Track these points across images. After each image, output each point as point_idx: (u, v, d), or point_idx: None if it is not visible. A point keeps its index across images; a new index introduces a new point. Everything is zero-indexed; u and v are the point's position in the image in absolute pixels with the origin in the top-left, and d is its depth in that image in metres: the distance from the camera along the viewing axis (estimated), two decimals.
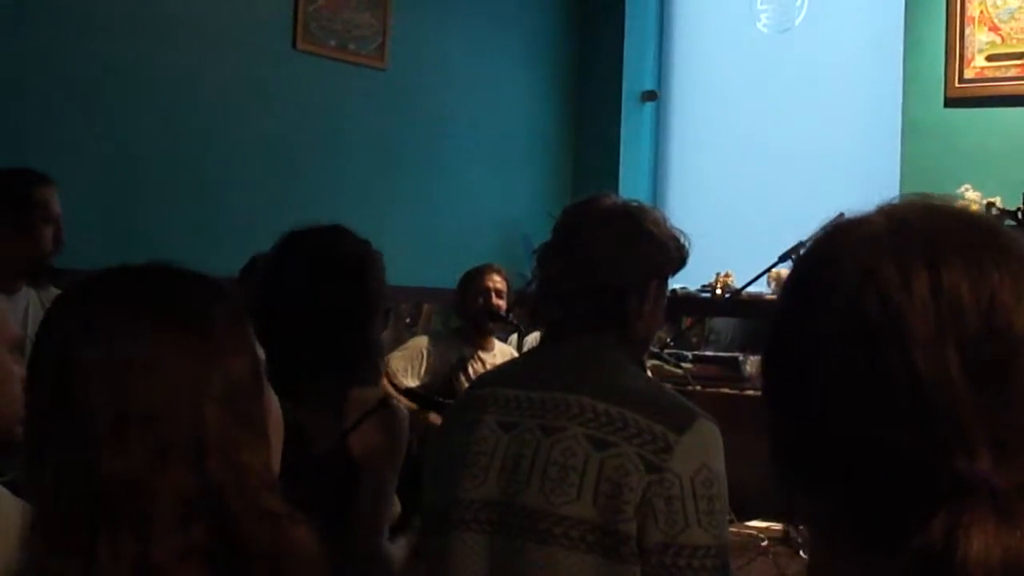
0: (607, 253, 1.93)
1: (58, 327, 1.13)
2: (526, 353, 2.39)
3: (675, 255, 2.01)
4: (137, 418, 1.05)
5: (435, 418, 3.89)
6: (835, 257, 0.80)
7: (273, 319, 2.39)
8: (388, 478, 2.41)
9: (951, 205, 0.83)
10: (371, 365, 2.52)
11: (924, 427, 0.73)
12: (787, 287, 0.86)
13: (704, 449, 1.79)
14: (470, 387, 2.18)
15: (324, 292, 2.39)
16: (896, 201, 0.83)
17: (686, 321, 5.54)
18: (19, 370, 1.62)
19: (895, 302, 0.75)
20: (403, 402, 3.36)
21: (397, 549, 2.52)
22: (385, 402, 2.44)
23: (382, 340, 2.82)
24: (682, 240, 2.03)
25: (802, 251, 0.86)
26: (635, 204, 2.03)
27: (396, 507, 2.83)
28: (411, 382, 4.36)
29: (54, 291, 3.46)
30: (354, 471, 2.33)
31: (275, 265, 2.50)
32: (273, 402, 1.20)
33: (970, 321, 0.74)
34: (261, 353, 1.18)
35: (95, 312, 1.11)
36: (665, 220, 2.02)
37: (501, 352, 4.56)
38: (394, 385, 4.25)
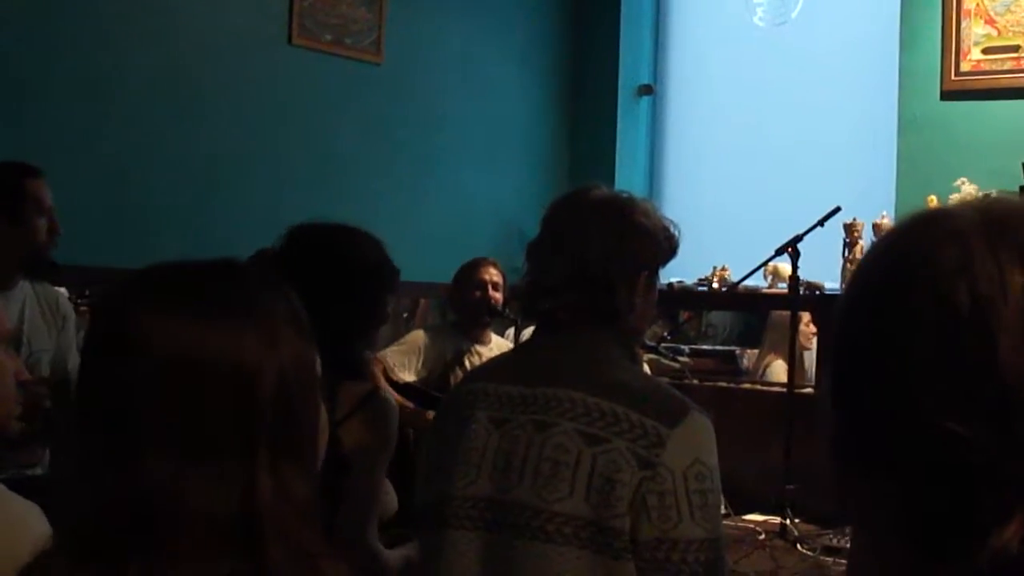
0: (596, 246, 1.92)
1: (111, 327, 1.07)
2: (517, 347, 2.38)
3: (665, 246, 2.00)
4: (187, 427, 1.01)
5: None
6: (924, 250, 0.79)
7: None
8: (378, 470, 2.41)
9: None
10: (363, 361, 2.52)
11: (1006, 427, 0.73)
12: (865, 279, 0.84)
13: (696, 443, 1.78)
14: (461, 382, 2.17)
15: (324, 293, 2.38)
16: (981, 198, 0.83)
17: (683, 315, 5.54)
18: (12, 364, 1.61)
19: (987, 298, 0.74)
20: (397, 399, 3.36)
21: (392, 555, 2.51)
22: (374, 394, 2.44)
23: (377, 336, 2.81)
24: (672, 230, 2.01)
25: (883, 242, 0.84)
26: (624, 195, 2.02)
27: (393, 503, 2.83)
28: (408, 377, 4.36)
29: (51, 288, 3.46)
30: (343, 463, 2.34)
31: (279, 259, 2.50)
32: (322, 412, 1.16)
33: None
34: (316, 355, 1.14)
35: (149, 312, 1.05)
36: (655, 211, 2.01)
37: (498, 346, 4.56)
38: (391, 380, 4.24)
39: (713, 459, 1.79)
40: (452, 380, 4.21)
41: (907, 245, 0.82)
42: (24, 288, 3.29)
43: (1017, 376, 0.73)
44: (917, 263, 0.79)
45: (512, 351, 2.90)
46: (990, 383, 0.73)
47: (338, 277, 2.40)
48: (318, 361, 1.14)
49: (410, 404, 3.82)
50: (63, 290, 3.76)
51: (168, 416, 1.01)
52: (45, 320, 3.32)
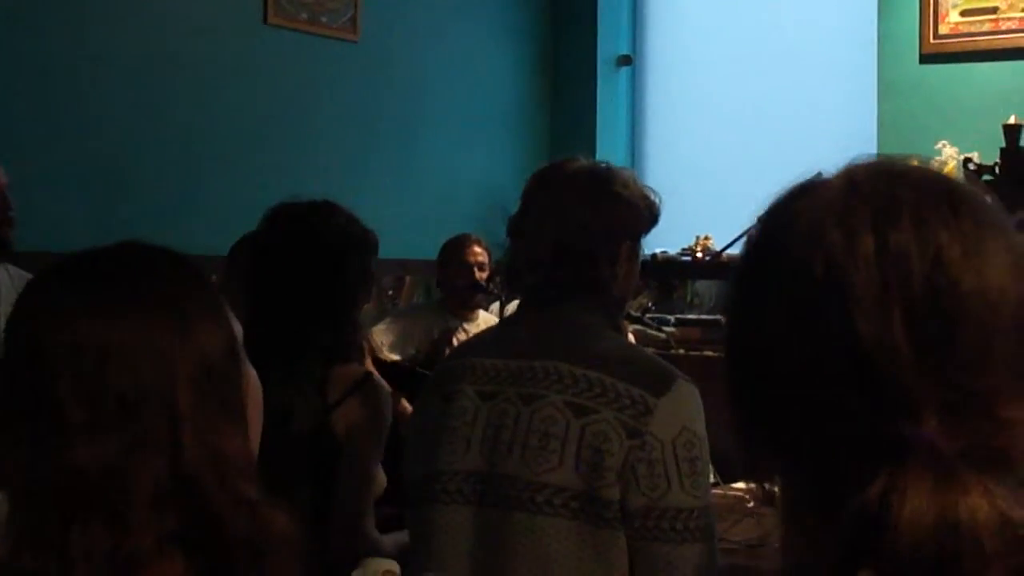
0: (576, 217, 1.91)
1: (27, 313, 1.10)
2: (502, 321, 2.38)
3: (646, 215, 1.99)
4: (109, 405, 1.02)
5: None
6: (788, 220, 0.80)
7: (258, 297, 2.38)
8: (371, 454, 2.40)
9: (908, 165, 0.82)
10: (353, 343, 2.51)
11: (868, 390, 0.73)
12: (745, 250, 0.85)
13: (684, 411, 1.78)
14: (447, 357, 2.17)
15: (306, 272, 2.37)
16: (858, 162, 0.82)
17: (673, 284, 5.54)
18: None
19: (839, 264, 0.74)
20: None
21: (385, 540, 2.50)
22: (367, 378, 2.43)
23: (363, 316, 2.79)
24: (653, 199, 2.00)
25: (762, 214, 0.85)
26: (603, 166, 2.01)
27: (381, 480, 2.83)
28: (395, 355, 4.35)
29: (27, 275, 3.42)
30: (337, 448, 2.33)
31: (260, 243, 2.48)
32: (252, 379, 1.17)
33: (915, 281, 0.73)
34: (238, 330, 1.16)
35: (63, 296, 1.08)
36: (635, 180, 2.00)
37: (485, 321, 4.55)
38: (378, 359, 4.24)
39: (701, 427, 1.79)
40: (439, 358, 4.21)
41: (777, 215, 0.83)
42: (2, 277, 3.25)
43: (872, 341, 0.73)
44: (778, 234, 0.81)
45: (497, 326, 2.90)
46: (847, 348, 0.73)
47: (318, 255, 2.39)
48: (237, 335, 1.14)
49: (387, 385, 3.81)
50: None
51: (87, 395, 1.03)
52: None
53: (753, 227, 0.85)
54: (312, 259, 2.38)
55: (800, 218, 0.79)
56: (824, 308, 0.74)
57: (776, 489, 0.82)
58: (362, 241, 2.47)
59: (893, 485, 0.70)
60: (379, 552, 2.42)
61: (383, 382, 2.51)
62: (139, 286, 1.10)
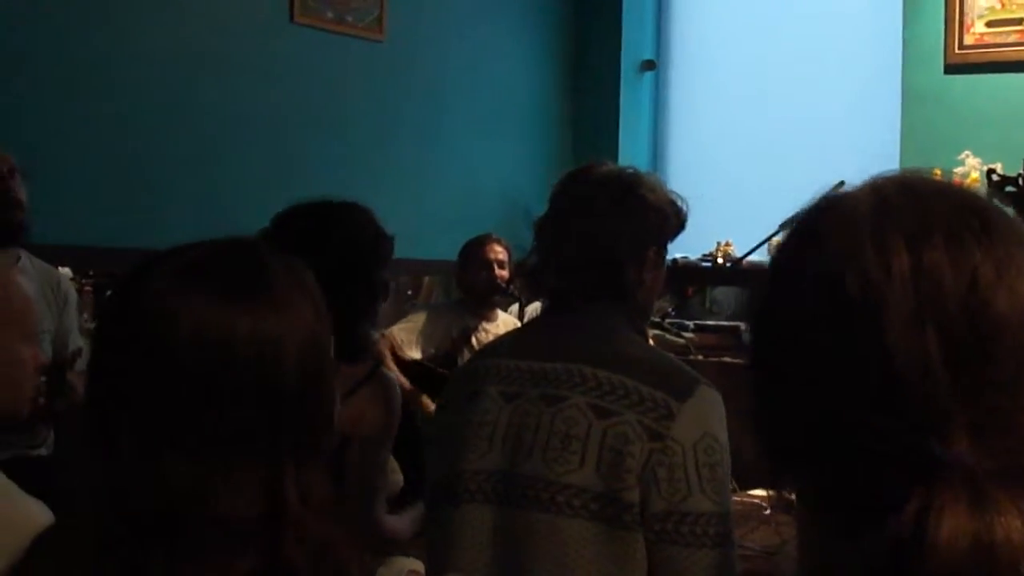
0: (603, 223, 1.92)
1: (139, 317, 1.04)
2: (527, 324, 2.38)
3: (673, 221, 2.00)
4: (211, 420, 0.99)
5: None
6: (820, 237, 0.80)
7: None
8: (380, 448, 2.40)
9: (937, 181, 0.82)
10: (364, 347, 2.48)
11: (899, 409, 0.73)
12: (773, 265, 0.85)
13: (706, 416, 1.78)
14: (471, 358, 2.17)
15: (320, 273, 2.35)
16: (884, 176, 0.82)
17: (688, 291, 5.54)
18: (29, 352, 1.63)
19: (875, 283, 0.74)
20: (402, 379, 3.35)
21: (401, 522, 2.51)
22: (375, 372, 2.42)
23: (382, 315, 2.74)
24: (679, 205, 2.01)
25: (790, 227, 0.85)
26: (630, 171, 2.01)
27: (398, 480, 2.83)
28: (415, 354, 4.36)
29: (53, 269, 3.44)
30: (344, 443, 2.33)
31: (273, 241, 2.47)
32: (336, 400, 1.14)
33: (950, 301, 0.73)
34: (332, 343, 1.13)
35: (169, 293, 1.03)
36: (661, 186, 2.01)
37: (504, 322, 4.56)
38: (399, 357, 4.25)
39: (723, 433, 1.79)
40: (459, 357, 4.22)
41: (806, 231, 0.82)
42: (25, 268, 3.27)
43: (905, 360, 0.72)
44: (809, 249, 0.80)
45: (522, 328, 2.90)
46: (879, 368, 0.73)
47: (333, 255, 2.35)
48: (332, 344, 1.13)
49: (407, 383, 3.81)
50: (67, 270, 3.76)
51: (192, 407, 0.99)
52: (46, 300, 3.30)
53: (780, 240, 0.85)
54: (326, 261, 2.35)
55: (832, 233, 0.79)
56: (857, 325, 0.74)
57: (794, 497, 0.82)
58: (371, 250, 2.43)
59: (928, 506, 0.70)
60: (396, 536, 2.43)
61: (391, 374, 2.48)
62: (251, 284, 1.06)
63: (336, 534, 1.04)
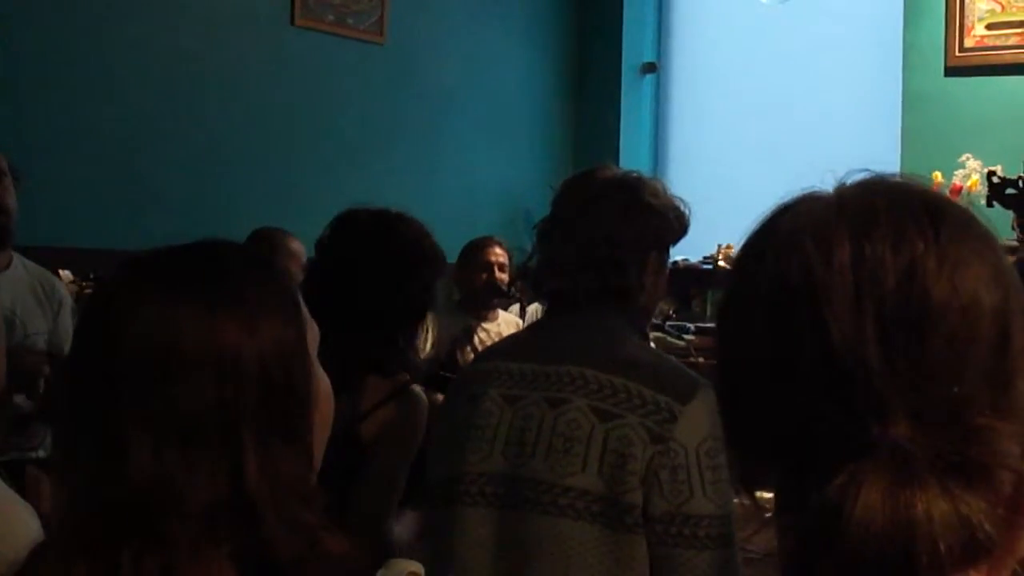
0: (607, 226, 1.92)
1: (96, 317, 1.07)
2: (529, 327, 2.38)
3: (675, 225, 2.00)
4: (173, 421, 1.00)
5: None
6: (774, 230, 0.81)
7: (313, 298, 2.35)
8: (397, 464, 2.36)
9: (899, 181, 0.83)
10: (404, 360, 2.43)
11: (840, 393, 0.73)
12: (733, 265, 0.87)
13: (709, 419, 1.78)
14: (473, 361, 2.17)
15: (368, 284, 2.31)
16: (852, 179, 0.83)
17: (689, 294, 5.55)
18: None
19: (815, 272, 0.76)
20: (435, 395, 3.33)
21: (403, 527, 2.50)
22: (403, 389, 2.38)
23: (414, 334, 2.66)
24: (682, 209, 2.02)
25: (752, 229, 0.86)
26: (634, 175, 2.02)
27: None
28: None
29: (47, 272, 3.43)
30: (361, 454, 2.31)
31: (327, 244, 2.41)
32: (324, 388, 1.14)
33: (888, 289, 0.74)
34: (315, 332, 1.13)
35: (136, 298, 1.05)
36: (665, 190, 2.01)
37: (505, 321, 4.56)
38: None
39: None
40: (459, 358, 4.21)
41: (766, 226, 0.84)
42: (18, 271, 3.27)
43: (843, 345, 0.74)
44: (759, 245, 0.82)
45: (523, 330, 2.90)
46: (819, 353, 0.74)
47: (385, 266, 2.33)
48: (313, 336, 1.12)
49: (425, 397, 3.80)
50: (67, 273, 3.76)
51: (151, 405, 1.01)
52: (39, 303, 3.29)
53: (742, 243, 0.87)
54: (376, 271, 2.32)
55: (781, 230, 0.81)
56: (799, 313, 0.75)
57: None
58: (431, 258, 2.40)
59: (852, 480, 0.71)
60: (398, 554, 2.41)
61: (421, 393, 2.44)
62: (207, 284, 1.07)
63: (310, 517, 1.05)
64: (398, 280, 2.33)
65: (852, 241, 0.76)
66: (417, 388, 2.44)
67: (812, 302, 0.75)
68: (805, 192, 0.84)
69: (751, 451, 0.83)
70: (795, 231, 0.79)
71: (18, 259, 3.29)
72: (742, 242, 0.86)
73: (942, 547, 0.69)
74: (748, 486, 0.86)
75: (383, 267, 2.31)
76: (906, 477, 0.70)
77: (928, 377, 0.73)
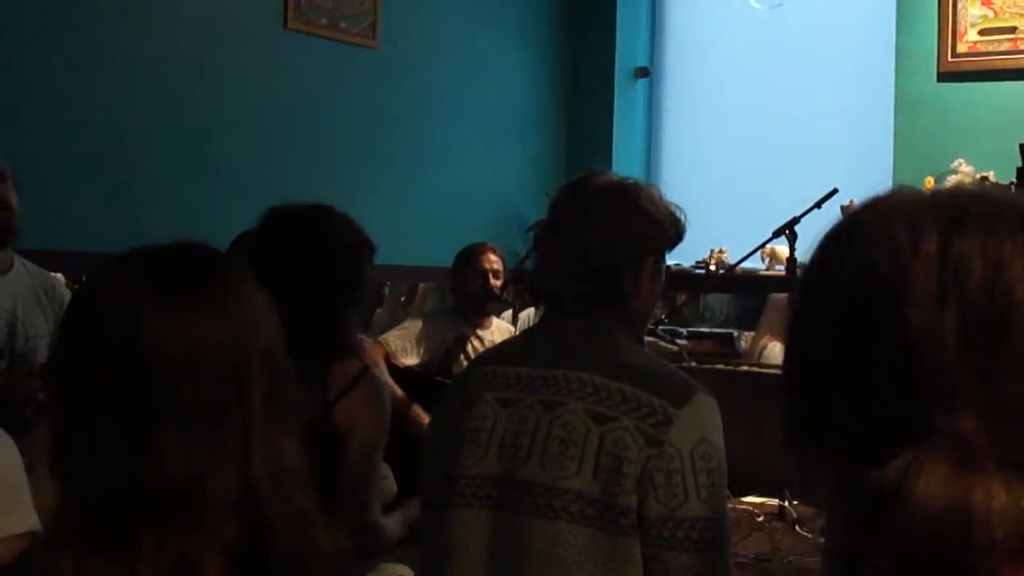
0: (603, 232, 1.93)
1: (107, 319, 1.08)
2: (524, 332, 2.39)
3: (671, 231, 2.02)
4: (197, 415, 1.04)
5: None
6: (860, 222, 0.83)
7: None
8: (374, 446, 2.43)
9: (992, 188, 0.86)
10: (351, 343, 2.53)
11: (912, 378, 0.74)
12: (818, 246, 0.87)
13: (703, 423, 1.79)
14: (468, 365, 2.18)
15: (297, 273, 2.37)
16: (948, 187, 0.85)
17: (680, 298, 5.55)
18: None
19: (902, 259, 0.77)
20: (393, 387, 3.35)
21: (393, 523, 2.53)
22: (365, 371, 2.45)
23: (376, 322, 2.79)
24: (678, 215, 2.03)
25: (824, 236, 0.88)
26: (630, 181, 2.03)
27: (391, 486, 2.83)
28: (409, 361, 4.36)
29: (47, 273, 3.43)
30: (339, 440, 2.35)
31: (258, 244, 2.50)
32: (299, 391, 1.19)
33: (973, 285, 0.75)
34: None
35: (143, 297, 1.08)
36: (661, 196, 2.03)
37: (499, 328, 4.56)
38: (393, 365, 4.24)
39: (719, 439, 1.81)
40: (454, 364, 4.21)
41: (852, 217, 0.85)
42: (19, 273, 3.27)
43: (922, 334, 0.74)
44: (845, 234, 0.84)
45: (520, 335, 2.92)
46: (897, 338, 0.75)
47: (318, 255, 2.41)
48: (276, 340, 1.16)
49: (399, 392, 3.81)
50: (60, 276, 3.75)
51: (176, 402, 1.04)
52: (40, 305, 3.29)
53: (815, 246, 0.88)
54: (300, 261, 2.40)
55: (869, 220, 0.82)
56: (881, 299, 0.76)
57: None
58: (352, 246, 2.48)
59: (914, 460, 0.71)
60: (387, 536, 2.45)
61: (380, 374, 2.53)
62: (212, 287, 1.11)
63: (312, 506, 1.09)
64: (320, 270, 2.41)
65: (941, 233, 0.77)
66: (376, 370, 2.54)
67: (895, 288, 0.76)
68: (896, 187, 0.86)
69: (811, 438, 0.83)
70: (886, 218, 0.80)
71: (19, 261, 3.29)
72: (822, 235, 0.87)
73: (999, 535, 0.69)
74: (801, 480, 0.86)
75: (305, 258, 2.40)
76: (968, 464, 0.71)
77: (1001, 376, 0.73)
